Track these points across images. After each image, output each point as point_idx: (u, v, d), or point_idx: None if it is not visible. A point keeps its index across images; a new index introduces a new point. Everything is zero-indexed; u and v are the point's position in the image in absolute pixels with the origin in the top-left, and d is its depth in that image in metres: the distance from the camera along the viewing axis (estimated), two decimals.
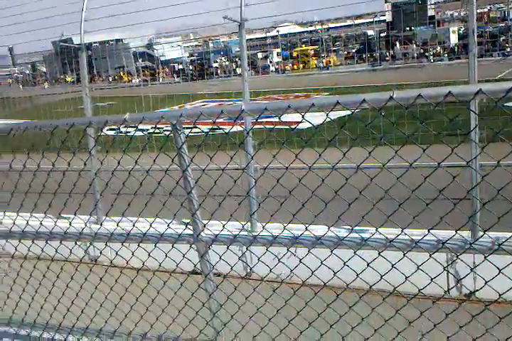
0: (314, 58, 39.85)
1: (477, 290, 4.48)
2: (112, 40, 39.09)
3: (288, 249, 1.91)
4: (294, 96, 23.49)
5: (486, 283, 1.64)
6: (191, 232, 2.10)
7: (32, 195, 2.53)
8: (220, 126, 1.98)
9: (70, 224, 2.44)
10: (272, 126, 2.23)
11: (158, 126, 2.07)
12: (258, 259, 2.03)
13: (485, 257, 1.68)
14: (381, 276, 1.90)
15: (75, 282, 2.55)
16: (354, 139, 1.82)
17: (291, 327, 2.05)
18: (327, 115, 1.81)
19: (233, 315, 2.05)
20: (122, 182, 2.16)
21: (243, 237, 1.97)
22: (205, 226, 2.07)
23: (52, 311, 2.71)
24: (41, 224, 2.56)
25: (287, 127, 2.33)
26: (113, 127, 2.36)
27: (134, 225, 2.21)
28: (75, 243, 2.44)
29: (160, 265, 2.16)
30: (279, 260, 1.97)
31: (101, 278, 2.41)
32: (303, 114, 1.84)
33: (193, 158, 2.06)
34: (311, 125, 1.96)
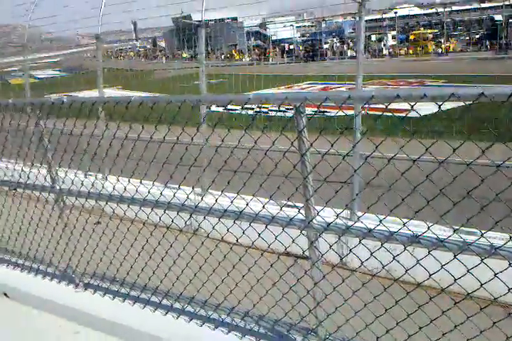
0: (432, 43, 37.46)
1: None
2: (227, 18, 39.92)
3: (405, 248, 1.79)
4: (406, 82, 22.44)
5: None
6: (303, 218, 2.06)
7: (142, 164, 2.67)
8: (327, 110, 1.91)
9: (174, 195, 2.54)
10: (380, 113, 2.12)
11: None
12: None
13: None
14: (481, 284, 1.75)
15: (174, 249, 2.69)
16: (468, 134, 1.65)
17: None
18: (439, 107, 1.67)
19: (338, 307, 2.00)
20: (240, 160, 2.16)
21: (356, 229, 1.88)
22: (318, 213, 2.02)
23: (151, 275, 2.86)
24: (149, 192, 2.69)
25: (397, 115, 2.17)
26: None
27: (247, 204, 2.21)
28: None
29: (269, 246, 2.16)
30: (371, 254, 1.88)
31: (197, 251, 2.47)
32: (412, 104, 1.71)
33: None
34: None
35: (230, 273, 2.49)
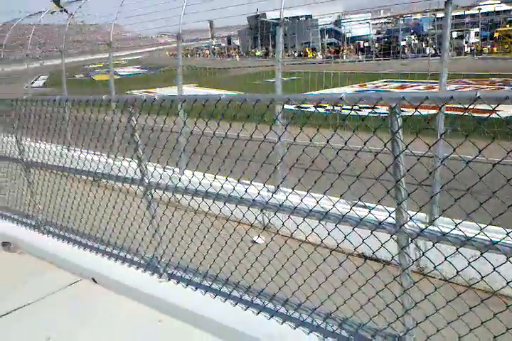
0: None
1: None
2: (302, 16, 39.72)
3: (507, 259, 1.70)
4: (490, 82, 21.22)
5: None
6: (393, 222, 2.02)
7: (216, 159, 2.75)
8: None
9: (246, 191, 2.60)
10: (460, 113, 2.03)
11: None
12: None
13: None
14: None
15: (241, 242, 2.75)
16: None
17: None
18: None
19: (429, 316, 1.94)
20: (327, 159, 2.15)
21: (454, 237, 1.81)
22: (411, 218, 1.96)
23: (233, 270, 2.92)
24: (222, 187, 2.76)
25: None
26: None
27: (333, 206, 2.20)
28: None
29: (355, 249, 2.13)
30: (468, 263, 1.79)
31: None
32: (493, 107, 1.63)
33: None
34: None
35: (312, 273, 2.49)
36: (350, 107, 2.20)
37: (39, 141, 4.23)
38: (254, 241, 3.09)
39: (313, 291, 2.43)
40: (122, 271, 3.60)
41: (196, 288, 3.16)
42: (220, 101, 2.62)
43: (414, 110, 1.85)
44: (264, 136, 2.45)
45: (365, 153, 2.06)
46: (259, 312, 2.78)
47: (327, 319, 2.48)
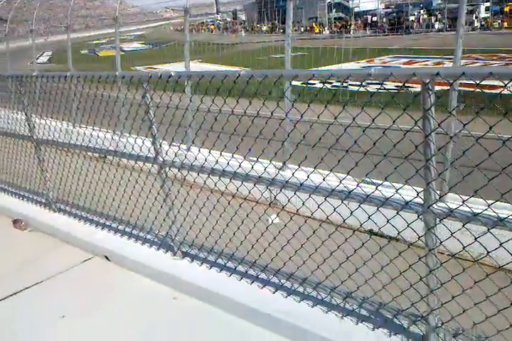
0: None
1: None
2: None
3: None
4: (499, 57, 20.82)
5: None
6: (421, 202, 1.96)
7: (223, 136, 2.72)
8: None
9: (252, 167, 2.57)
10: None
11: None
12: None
13: None
14: None
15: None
16: None
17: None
18: None
19: (455, 297, 1.90)
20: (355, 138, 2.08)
21: (486, 217, 1.76)
22: (440, 198, 1.90)
23: (250, 249, 2.89)
24: (228, 163, 2.73)
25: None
26: None
27: (357, 185, 2.14)
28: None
29: (379, 229, 2.09)
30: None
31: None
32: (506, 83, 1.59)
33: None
34: None
35: (332, 253, 2.45)
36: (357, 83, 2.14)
37: (49, 118, 4.17)
38: (268, 220, 3.04)
39: (333, 271, 2.39)
40: (135, 248, 3.58)
41: (211, 266, 3.15)
42: (235, 78, 2.53)
43: (450, 88, 1.77)
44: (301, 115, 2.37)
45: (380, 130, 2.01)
46: (276, 291, 2.76)
47: (347, 298, 2.46)
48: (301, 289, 2.71)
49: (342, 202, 2.21)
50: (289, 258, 2.61)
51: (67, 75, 3.58)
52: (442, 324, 2.02)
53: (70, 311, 3.03)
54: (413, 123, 1.89)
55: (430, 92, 1.81)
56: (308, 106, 2.22)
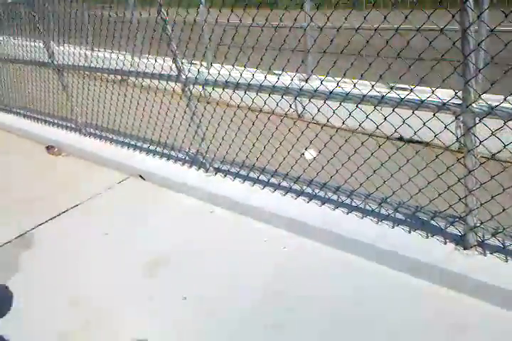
0: None
1: None
2: None
3: None
4: None
5: None
6: (459, 102, 1.88)
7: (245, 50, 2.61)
8: None
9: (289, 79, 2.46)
10: None
11: None
12: None
13: None
14: None
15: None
16: None
17: None
18: None
19: (494, 196, 1.89)
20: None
21: None
22: (480, 96, 1.82)
23: (282, 161, 2.90)
24: (253, 76, 2.65)
25: None
26: None
27: (391, 89, 2.06)
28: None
29: (415, 133, 2.04)
30: None
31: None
32: None
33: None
34: None
35: (366, 161, 2.44)
36: None
37: (67, 44, 4.06)
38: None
39: (367, 177, 2.40)
40: (169, 167, 3.65)
41: (244, 180, 3.20)
42: None
43: None
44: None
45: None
46: (309, 201, 2.81)
47: (382, 203, 2.49)
48: (335, 197, 2.75)
49: (375, 108, 2.14)
50: (322, 168, 2.61)
51: None
52: (481, 223, 2.04)
53: (112, 229, 3.18)
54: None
55: None
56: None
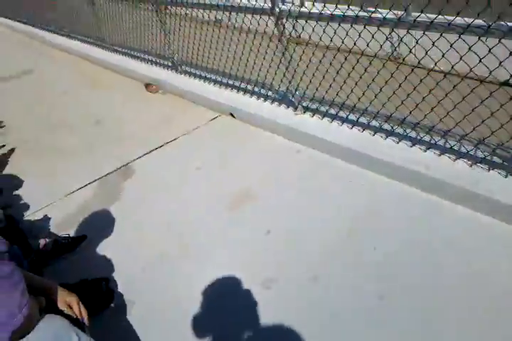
0: None
1: None
2: None
3: None
4: None
5: None
6: None
7: None
8: None
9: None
10: None
11: None
12: None
13: None
14: None
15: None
16: None
17: None
18: None
19: None
20: None
21: None
22: None
23: (372, 100, 2.81)
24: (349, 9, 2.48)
25: None
26: None
27: (478, 15, 1.86)
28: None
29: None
30: None
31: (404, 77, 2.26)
32: None
33: None
34: None
35: (463, 99, 2.28)
36: None
37: None
38: None
39: (464, 116, 2.25)
40: (258, 105, 3.69)
41: (332, 120, 3.16)
42: None
43: None
44: None
45: None
46: (399, 141, 2.73)
47: (478, 145, 2.35)
48: (427, 138, 2.63)
49: (479, 38, 1.97)
50: (416, 106, 2.49)
51: None
52: None
53: (203, 163, 3.34)
54: None
55: None
56: None
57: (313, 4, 2.81)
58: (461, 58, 2.10)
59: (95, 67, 6.01)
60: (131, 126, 4.19)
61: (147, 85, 4.85)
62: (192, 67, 4.53)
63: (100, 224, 2.88)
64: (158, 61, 4.99)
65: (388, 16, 2.32)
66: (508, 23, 1.91)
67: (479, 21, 1.98)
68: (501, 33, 1.91)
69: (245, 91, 3.87)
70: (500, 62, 1.98)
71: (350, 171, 2.87)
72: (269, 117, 3.49)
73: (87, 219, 2.96)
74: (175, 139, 3.79)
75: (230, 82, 4.01)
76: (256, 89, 3.77)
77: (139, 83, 5.05)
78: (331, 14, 2.65)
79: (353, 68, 2.69)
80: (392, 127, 2.81)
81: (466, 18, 2.03)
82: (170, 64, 4.76)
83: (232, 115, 3.90)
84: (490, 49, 1.97)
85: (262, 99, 3.72)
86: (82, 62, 6.34)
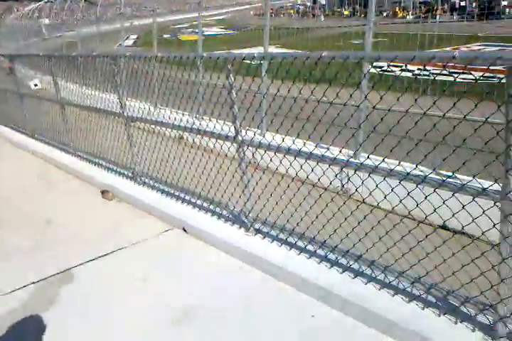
0: None
1: None
2: None
3: None
4: None
5: None
6: (498, 188, 1.95)
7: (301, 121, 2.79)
8: None
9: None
10: None
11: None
12: None
13: None
14: None
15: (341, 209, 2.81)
16: None
17: None
18: None
19: None
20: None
21: None
22: None
23: (321, 229, 2.98)
24: (304, 144, 2.82)
25: None
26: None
27: (434, 169, 2.16)
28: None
29: (453, 215, 2.10)
30: None
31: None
32: None
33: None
34: None
35: (402, 238, 2.49)
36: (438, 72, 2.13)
37: (140, 99, 4.47)
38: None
39: (403, 254, 2.43)
40: (211, 223, 3.79)
41: (282, 244, 3.28)
42: (317, 60, 2.59)
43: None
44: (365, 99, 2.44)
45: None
46: (343, 272, 2.84)
47: (415, 283, 2.49)
48: (368, 271, 2.77)
49: (417, 186, 2.24)
50: (359, 240, 2.67)
51: (157, 55, 3.82)
52: (511, 314, 2.01)
53: (149, 276, 3.30)
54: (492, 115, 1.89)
55: None
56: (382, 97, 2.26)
57: (273, 138, 3.12)
58: (400, 201, 2.35)
59: (58, 171, 6.10)
60: (80, 231, 4.14)
61: (103, 192, 4.92)
62: (151, 179, 4.68)
63: (29, 332, 2.70)
64: (118, 170, 5.14)
65: (339, 157, 2.62)
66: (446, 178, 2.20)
67: (417, 171, 2.28)
68: (436, 184, 2.19)
69: (200, 207, 4.00)
70: (435, 209, 2.24)
71: (298, 299, 2.90)
72: (221, 236, 3.58)
73: (15, 325, 2.77)
74: (122, 248, 3.76)
75: (187, 197, 4.16)
76: (211, 206, 3.92)
77: (95, 189, 5.11)
78: (288, 148, 2.94)
79: (304, 198, 2.91)
80: (336, 257, 2.94)
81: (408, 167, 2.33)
82: (130, 174, 4.90)
83: (184, 230, 3.96)
84: (426, 196, 2.23)
85: (216, 216, 3.84)
86: (44, 165, 6.43)
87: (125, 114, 4.51)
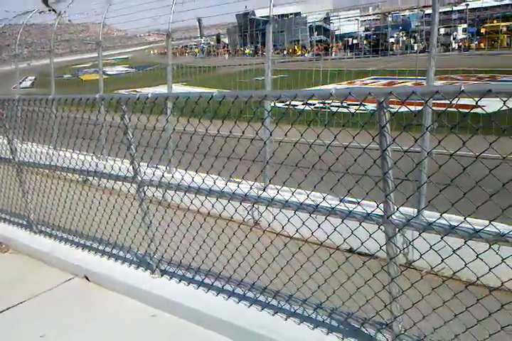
0: (506, 36, 35.44)
1: None
2: (290, 14, 39.81)
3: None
4: (477, 78, 21.39)
5: None
6: (381, 213, 2.08)
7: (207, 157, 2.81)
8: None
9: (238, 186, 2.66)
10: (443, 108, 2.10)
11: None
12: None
13: None
14: None
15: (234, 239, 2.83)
16: None
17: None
18: (504, 103, 1.66)
19: (415, 303, 2.00)
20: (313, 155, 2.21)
21: (439, 226, 1.88)
22: (397, 209, 2.02)
23: (226, 265, 2.97)
24: (214, 183, 2.83)
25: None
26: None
27: (324, 198, 2.26)
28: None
29: (344, 240, 2.20)
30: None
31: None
32: (477, 99, 1.71)
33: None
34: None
35: (302, 266, 2.55)
36: (339, 104, 2.28)
37: (31, 142, 4.25)
38: None
39: (303, 282, 2.48)
40: (115, 268, 3.63)
41: (189, 283, 3.21)
42: (212, 99, 2.65)
43: (401, 106, 1.91)
44: (257, 133, 2.53)
45: (355, 149, 2.14)
46: (250, 305, 2.83)
47: (317, 309, 2.54)
48: (274, 302, 2.78)
49: (310, 215, 2.32)
50: (263, 272, 2.69)
51: (49, 98, 3.69)
52: (405, 331, 2.11)
53: (50, 331, 3.06)
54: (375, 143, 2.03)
55: (385, 110, 1.95)
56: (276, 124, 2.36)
57: (173, 176, 3.10)
58: (312, 233, 2.42)
59: None
60: None
61: None
62: (48, 227, 4.41)
63: None
64: (11, 219, 4.79)
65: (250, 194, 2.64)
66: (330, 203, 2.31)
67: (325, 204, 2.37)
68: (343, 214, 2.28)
69: (103, 253, 3.82)
70: (334, 229, 2.32)
71: (208, 338, 2.82)
72: (125, 280, 3.44)
73: None
74: (20, 303, 3.46)
75: (88, 243, 3.96)
76: (114, 251, 3.76)
77: None
78: (188, 186, 2.94)
79: (208, 235, 2.89)
80: (243, 292, 2.93)
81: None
82: (25, 222, 4.59)
83: (86, 278, 3.75)
84: (319, 224, 2.32)
85: (120, 261, 3.69)
86: None
87: (16, 159, 4.26)
